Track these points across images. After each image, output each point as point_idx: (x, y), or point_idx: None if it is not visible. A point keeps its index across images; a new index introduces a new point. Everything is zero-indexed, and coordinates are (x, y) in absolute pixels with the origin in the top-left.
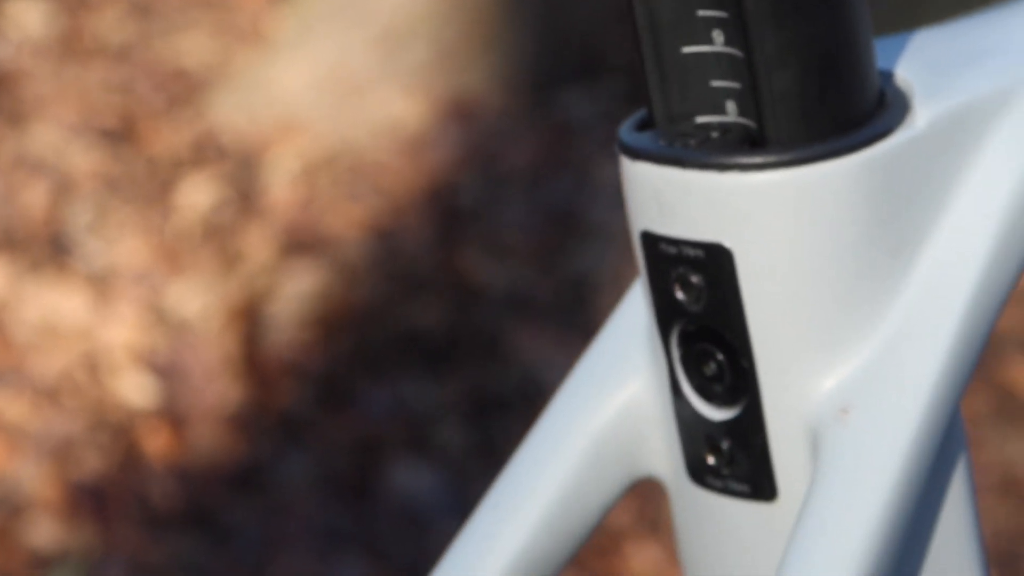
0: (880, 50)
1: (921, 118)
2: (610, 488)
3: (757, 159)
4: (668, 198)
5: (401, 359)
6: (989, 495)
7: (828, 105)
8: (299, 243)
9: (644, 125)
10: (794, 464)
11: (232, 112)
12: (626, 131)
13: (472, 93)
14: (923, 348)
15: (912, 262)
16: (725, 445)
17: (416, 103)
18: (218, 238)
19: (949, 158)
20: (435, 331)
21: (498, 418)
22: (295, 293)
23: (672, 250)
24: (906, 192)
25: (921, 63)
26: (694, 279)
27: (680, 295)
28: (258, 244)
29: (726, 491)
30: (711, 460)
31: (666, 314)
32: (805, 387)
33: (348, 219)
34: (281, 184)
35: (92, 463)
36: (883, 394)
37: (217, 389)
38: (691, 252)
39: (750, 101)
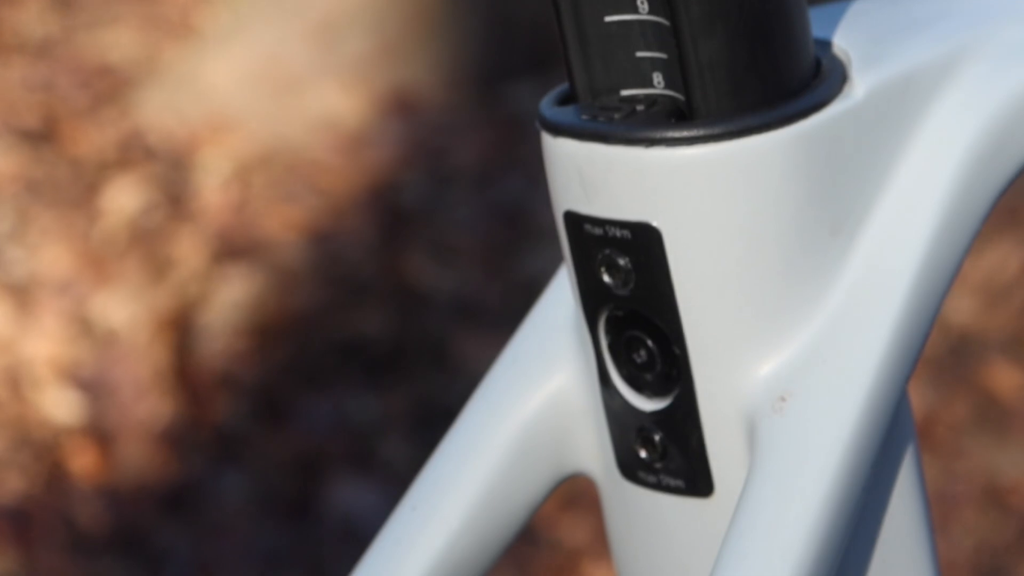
0: (816, 19)
1: (859, 88)
2: (536, 486)
3: (685, 133)
4: (591, 176)
5: (342, 370)
6: (971, 506)
7: (759, 75)
8: (233, 248)
9: (566, 99)
10: (731, 457)
11: (160, 110)
12: (547, 105)
13: (415, 87)
14: (865, 331)
15: (853, 240)
16: (657, 438)
17: (356, 98)
18: (146, 244)
19: (890, 130)
20: (378, 339)
21: (445, 431)
22: (229, 301)
23: (597, 231)
24: (845, 167)
25: (859, 31)
26: (621, 261)
27: (607, 279)
28: (189, 250)
29: (660, 487)
30: (643, 454)
31: (592, 299)
32: (741, 374)
33: (285, 222)
34: (213, 186)
35: (14, 484)
36: (823, 380)
37: (147, 404)
38: (617, 232)
39: (677, 72)
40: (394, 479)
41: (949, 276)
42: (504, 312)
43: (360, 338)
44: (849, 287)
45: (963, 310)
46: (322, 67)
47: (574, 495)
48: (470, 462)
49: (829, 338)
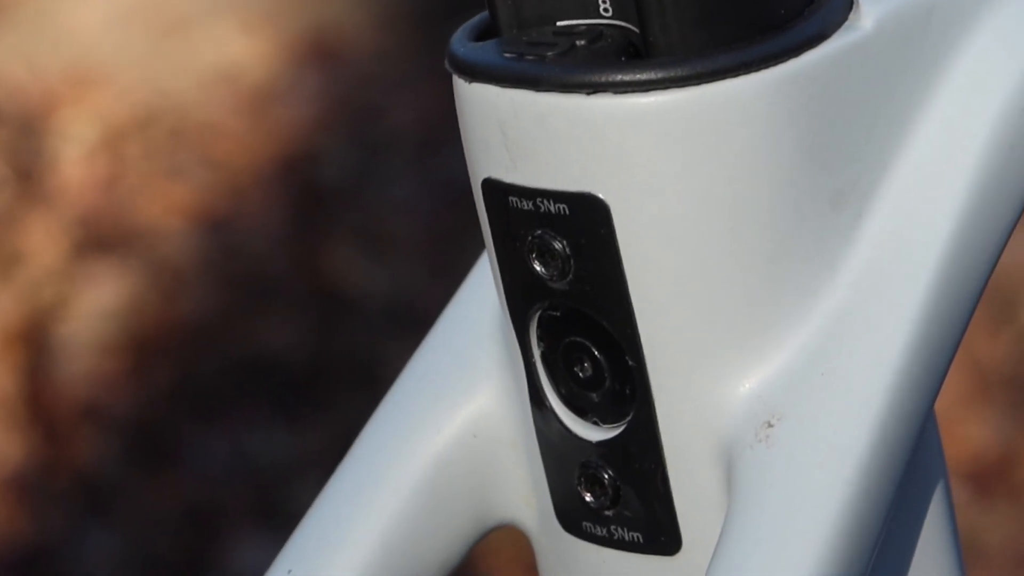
0: None
1: (868, 16)
2: (450, 542)
3: (638, 75)
4: (517, 132)
5: (244, 397)
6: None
7: None
8: (100, 238)
9: (485, 33)
10: (702, 501)
11: (7, 60)
12: (459, 41)
13: (335, 29)
14: (878, 336)
15: (862, 217)
16: (607, 477)
17: (259, 43)
18: None
19: (908, 72)
20: (290, 357)
21: None
22: (95, 308)
23: (526, 205)
24: (849, 120)
25: None
26: (557, 245)
27: (539, 268)
28: (43, 241)
29: (610, 541)
30: (589, 498)
31: (521, 295)
32: (715, 393)
33: (168, 204)
34: (75, 157)
35: None
36: (821, 401)
37: None
38: (552, 207)
39: None
40: None
41: (988, 264)
42: None
43: (267, 356)
44: (856, 279)
45: None
46: (215, 3)
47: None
48: (364, 511)
49: (830, 345)
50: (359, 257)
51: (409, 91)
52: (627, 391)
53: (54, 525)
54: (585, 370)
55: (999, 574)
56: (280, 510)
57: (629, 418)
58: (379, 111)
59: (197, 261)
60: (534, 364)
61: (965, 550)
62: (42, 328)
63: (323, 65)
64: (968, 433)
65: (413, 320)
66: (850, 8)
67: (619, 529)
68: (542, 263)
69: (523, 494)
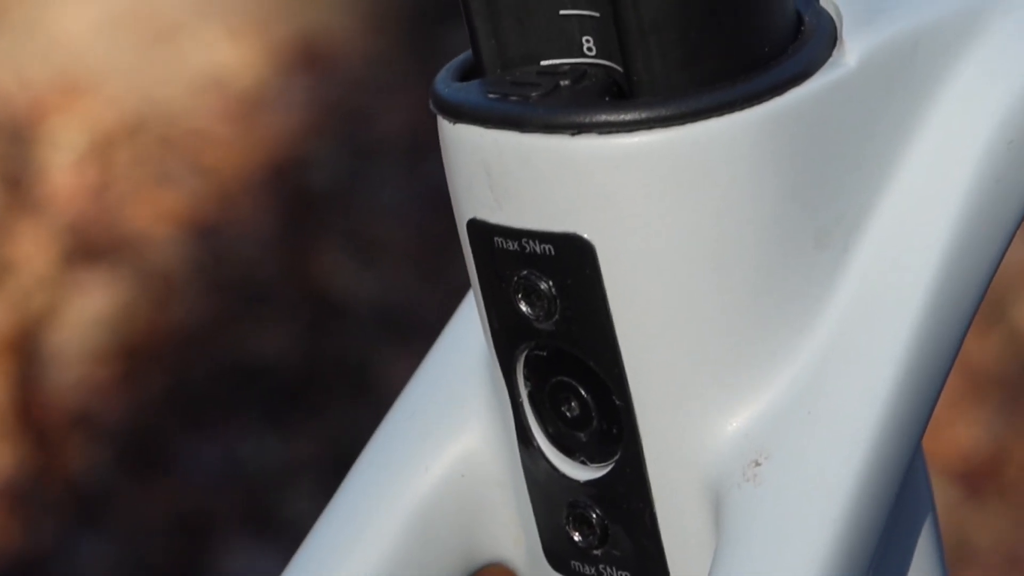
0: None
1: (852, 53)
2: None
3: (623, 115)
4: (502, 173)
5: (235, 404)
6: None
7: (720, 37)
8: (90, 246)
9: (470, 72)
10: (690, 540)
11: None
12: (443, 81)
13: (323, 35)
14: (865, 373)
15: (847, 254)
16: (595, 516)
17: (248, 49)
18: None
19: (893, 108)
20: (281, 364)
21: None
22: (86, 316)
23: (511, 246)
24: (834, 156)
25: None
26: (543, 285)
27: (525, 308)
28: (33, 249)
29: None
30: (577, 537)
31: (507, 335)
32: (702, 432)
33: (158, 211)
34: (64, 165)
35: None
36: (809, 439)
37: None
38: (537, 247)
39: (612, 35)
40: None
41: (975, 298)
42: (443, 326)
43: (258, 362)
44: (842, 316)
45: None
46: (204, 9)
47: None
48: (353, 550)
49: (816, 383)
50: (349, 263)
51: (398, 96)
52: (614, 430)
53: (46, 533)
54: (572, 410)
55: (990, 574)
56: (272, 517)
57: (617, 457)
58: (368, 116)
59: (187, 268)
60: (521, 404)
61: (956, 550)
62: (32, 336)
63: (312, 71)
64: (958, 433)
65: (403, 325)
66: (834, 44)
67: (607, 568)
68: (528, 304)
69: (511, 533)
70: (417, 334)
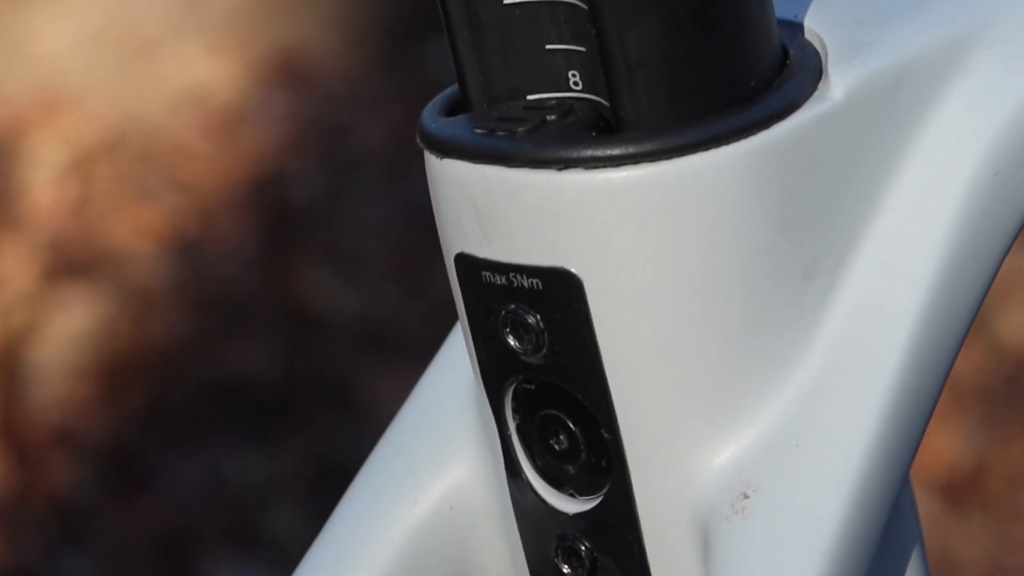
0: None
1: (837, 86)
2: None
3: (609, 150)
4: (490, 208)
5: (217, 420)
6: None
7: (706, 72)
8: (71, 262)
9: (456, 107)
10: (679, 573)
11: None
12: (430, 116)
13: (302, 50)
14: (852, 406)
15: (834, 287)
16: (584, 548)
17: (227, 64)
18: None
19: (879, 141)
20: (263, 380)
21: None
22: (67, 332)
23: (499, 280)
24: (820, 189)
25: (837, 11)
26: (531, 319)
27: (513, 342)
28: (13, 265)
29: None
30: (566, 570)
31: (495, 369)
32: (691, 464)
33: (138, 227)
34: (44, 182)
35: None
36: (797, 471)
37: None
38: (525, 282)
39: (599, 69)
40: (284, 560)
41: (962, 330)
42: (424, 342)
43: (239, 378)
44: (829, 349)
45: (1022, 327)
46: (182, 25)
47: None
48: None
49: (804, 416)
50: (330, 278)
51: (378, 110)
52: (603, 463)
53: (29, 551)
54: (561, 443)
55: None
56: (255, 533)
57: (605, 490)
58: (348, 131)
59: (168, 284)
60: (509, 436)
61: (939, 563)
62: (13, 353)
63: (291, 86)
64: (941, 445)
65: (385, 340)
66: (819, 78)
67: None
68: (516, 337)
69: (501, 565)
70: (399, 349)
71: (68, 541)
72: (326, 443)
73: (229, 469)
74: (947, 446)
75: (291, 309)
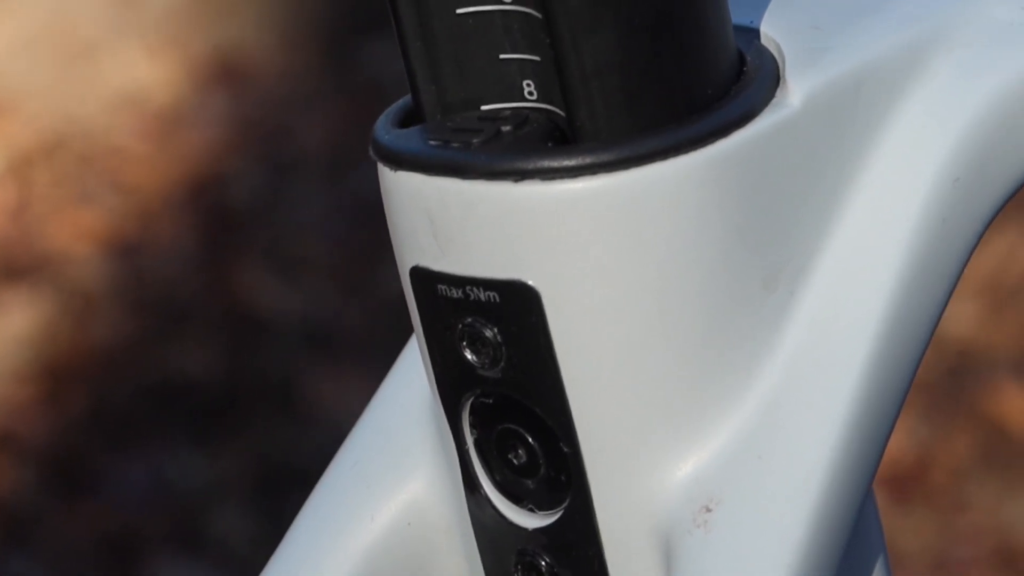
0: (738, 1)
1: (795, 93)
2: None
3: (567, 161)
4: (445, 221)
5: (159, 423)
6: (979, 572)
7: (662, 80)
8: (9, 266)
9: (409, 118)
10: None
11: None
12: (383, 127)
13: (241, 49)
14: (814, 417)
15: (794, 297)
16: (544, 564)
17: (165, 66)
18: None
19: (838, 148)
20: (204, 381)
21: (295, 496)
22: (7, 335)
23: (455, 293)
24: (780, 197)
25: (794, 17)
26: (487, 333)
27: (470, 356)
28: None
29: None
30: None
31: (452, 383)
32: (651, 478)
33: (77, 230)
34: None
35: None
36: (759, 484)
37: None
38: (481, 295)
39: (554, 79)
40: (230, 561)
41: (924, 339)
42: (368, 341)
43: (181, 380)
44: (790, 360)
45: (963, 319)
46: (121, 27)
47: None
48: None
49: (766, 427)
50: (271, 279)
51: (318, 111)
52: (562, 478)
53: None
54: (519, 457)
55: None
56: (199, 535)
57: (565, 505)
58: (288, 132)
59: (109, 287)
60: (467, 451)
61: None
62: None
63: (230, 87)
64: None
65: (327, 341)
66: (777, 85)
67: None
68: (473, 351)
69: None
70: (341, 349)
71: (12, 545)
72: (269, 444)
73: (172, 471)
74: (890, 440)
75: (232, 310)
